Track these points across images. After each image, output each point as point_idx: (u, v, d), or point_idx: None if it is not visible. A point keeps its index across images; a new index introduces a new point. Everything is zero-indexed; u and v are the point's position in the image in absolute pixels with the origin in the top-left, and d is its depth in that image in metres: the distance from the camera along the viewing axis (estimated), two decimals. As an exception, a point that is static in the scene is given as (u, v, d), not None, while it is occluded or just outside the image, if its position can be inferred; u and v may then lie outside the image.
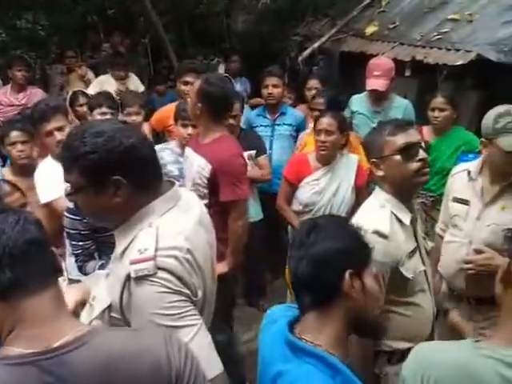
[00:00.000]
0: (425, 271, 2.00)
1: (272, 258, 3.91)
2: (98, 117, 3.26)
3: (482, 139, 2.32)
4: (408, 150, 1.89)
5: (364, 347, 1.86)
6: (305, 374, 1.20)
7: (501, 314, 1.27)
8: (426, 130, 3.72)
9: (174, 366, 1.12)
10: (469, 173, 2.42)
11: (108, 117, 3.21)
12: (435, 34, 4.52)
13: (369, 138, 2.07)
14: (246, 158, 2.95)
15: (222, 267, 2.53)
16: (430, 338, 2.03)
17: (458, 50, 4.13)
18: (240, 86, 5.52)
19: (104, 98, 3.49)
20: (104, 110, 3.33)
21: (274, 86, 4.08)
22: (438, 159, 3.60)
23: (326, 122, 3.07)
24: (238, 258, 2.78)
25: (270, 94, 4.08)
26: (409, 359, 1.32)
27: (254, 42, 6.36)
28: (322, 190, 3.14)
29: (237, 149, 2.79)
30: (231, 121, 3.26)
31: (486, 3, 4.58)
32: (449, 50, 4.21)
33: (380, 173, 1.94)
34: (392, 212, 1.91)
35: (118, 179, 1.34)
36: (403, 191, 1.95)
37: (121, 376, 1.06)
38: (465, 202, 2.41)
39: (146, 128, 3.98)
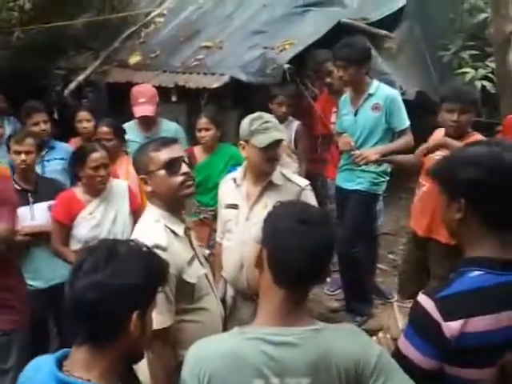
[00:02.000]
0: (206, 275, 2.13)
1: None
2: None
3: (241, 142, 2.58)
4: (171, 165, 2.01)
5: (164, 361, 1.92)
6: None
7: (260, 297, 1.43)
8: (197, 149, 3.99)
9: None
10: (234, 180, 2.67)
11: None
12: (192, 60, 4.87)
13: (135, 155, 2.15)
14: None
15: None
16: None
17: (213, 74, 4.52)
18: (8, 125, 5.16)
19: None
20: None
21: (44, 122, 3.92)
22: (212, 175, 3.87)
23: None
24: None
25: (43, 130, 3.90)
26: (186, 360, 1.37)
27: (14, 78, 6.00)
28: (100, 222, 3.05)
29: None
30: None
31: (233, 31, 5.11)
32: (206, 74, 4.59)
33: (149, 188, 2.03)
34: (166, 225, 2.01)
35: None
36: (172, 204, 2.06)
37: None
38: (234, 206, 2.63)
39: None
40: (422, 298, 1.40)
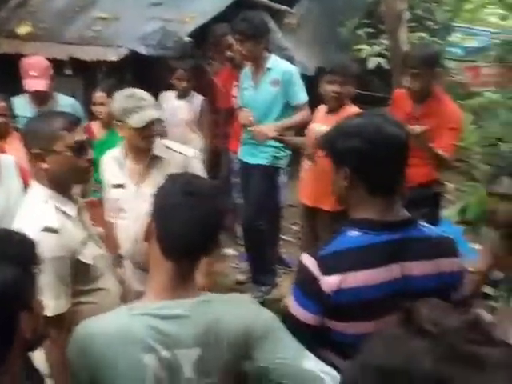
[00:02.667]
0: (102, 255, 2.09)
1: None
2: None
3: (115, 122, 2.50)
4: (80, 148, 1.93)
5: (62, 347, 1.86)
6: None
7: (149, 271, 1.42)
8: (94, 125, 3.84)
9: None
10: (116, 159, 2.60)
11: None
12: (88, 31, 4.64)
13: (32, 127, 1.98)
14: None
15: None
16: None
17: (111, 47, 4.35)
18: None
19: None
20: None
21: None
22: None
23: None
24: None
25: None
26: (72, 340, 1.33)
27: None
28: None
29: None
30: None
31: (131, 2, 4.91)
32: (103, 46, 4.40)
33: (44, 165, 1.91)
34: (56, 206, 1.93)
35: None
36: (66, 186, 1.99)
37: None
38: (121, 186, 2.58)
39: None
40: (305, 257, 1.48)
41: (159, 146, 2.57)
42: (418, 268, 1.46)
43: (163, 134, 4.16)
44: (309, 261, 1.46)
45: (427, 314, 0.70)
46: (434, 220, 3.30)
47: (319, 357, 1.42)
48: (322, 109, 3.41)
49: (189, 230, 1.33)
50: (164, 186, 1.41)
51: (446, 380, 0.62)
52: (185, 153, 2.63)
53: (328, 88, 3.19)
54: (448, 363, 0.63)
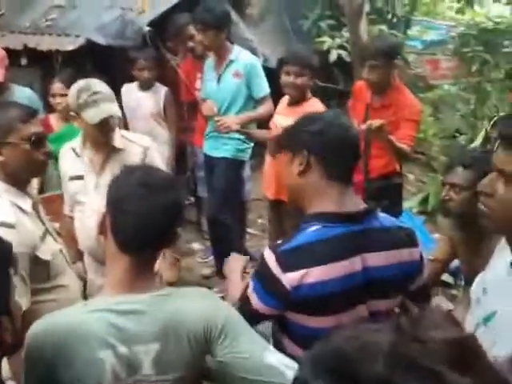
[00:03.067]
0: (60, 250, 2.05)
1: None
2: None
3: (71, 113, 2.41)
4: (38, 140, 1.89)
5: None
6: None
7: (106, 265, 1.40)
8: (52, 118, 3.73)
9: None
10: (73, 149, 2.53)
11: None
12: (44, 20, 4.48)
13: None
14: None
15: None
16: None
17: (68, 36, 4.22)
18: None
19: None
20: None
21: None
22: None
23: None
24: None
25: None
26: (27, 337, 1.29)
27: None
28: None
29: None
30: None
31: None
32: (59, 35, 4.27)
33: (0, 158, 1.86)
34: (11, 201, 1.87)
35: None
36: (22, 179, 1.93)
37: None
38: (79, 177, 2.51)
39: None
40: (266, 252, 1.49)
41: (118, 137, 2.51)
42: (378, 259, 1.48)
43: (122, 126, 4.09)
44: (269, 256, 1.46)
45: (419, 318, 0.66)
46: (396, 211, 3.36)
47: (279, 343, 1.44)
48: (284, 100, 3.41)
49: (143, 222, 1.30)
50: (119, 177, 1.38)
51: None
52: (142, 143, 2.58)
53: (285, 78, 3.19)
54: (401, 371, 0.59)
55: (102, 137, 2.43)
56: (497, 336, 1.20)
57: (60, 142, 3.59)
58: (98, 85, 2.38)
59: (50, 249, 1.96)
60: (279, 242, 1.52)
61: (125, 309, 1.28)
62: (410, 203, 5.14)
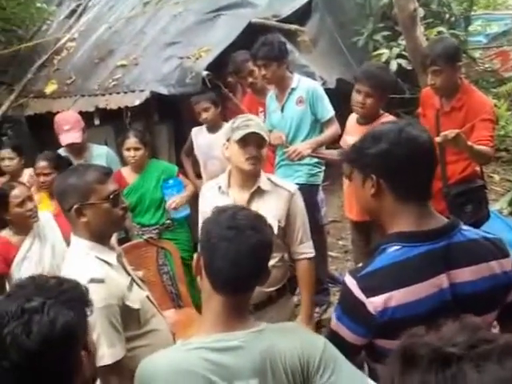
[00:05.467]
0: (147, 296, 2.10)
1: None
2: None
3: (224, 142, 2.54)
4: (115, 198, 1.98)
5: None
6: None
7: (202, 305, 1.43)
8: (125, 171, 3.90)
9: None
10: (219, 187, 2.58)
11: None
12: (110, 81, 4.76)
13: (65, 183, 1.99)
14: None
15: None
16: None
17: (133, 92, 4.44)
18: None
19: None
20: None
21: None
22: (146, 194, 3.81)
23: None
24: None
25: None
26: (135, 381, 1.35)
27: None
28: (39, 258, 2.94)
29: None
30: None
31: (146, 45, 5.03)
32: (126, 92, 4.50)
33: (83, 219, 1.94)
34: (97, 257, 1.95)
35: None
36: (104, 236, 2.02)
37: None
38: None
39: None
40: (347, 278, 1.44)
41: (264, 179, 2.55)
42: (466, 274, 1.40)
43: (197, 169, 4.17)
44: (350, 282, 1.42)
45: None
46: (481, 216, 3.17)
47: (373, 373, 1.39)
48: (352, 118, 3.35)
49: (232, 264, 1.32)
50: (209, 220, 1.41)
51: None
52: (288, 188, 2.60)
53: (355, 97, 3.15)
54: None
55: (246, 163, 2.44)
56: None
57: (135, 193, 3.78)
58: (253, 116, 2.67)
59: (138, 297, 2.02)
60: (359, 265, 1.48)
61: (222, 346, 1.30)
62: (498, 204, 4.85)
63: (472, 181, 3.25)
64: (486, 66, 7.71)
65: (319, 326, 3.38)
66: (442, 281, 1.38)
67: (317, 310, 3.88)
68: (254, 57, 3.72)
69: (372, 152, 1.43)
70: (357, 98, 3.12)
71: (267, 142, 2.53)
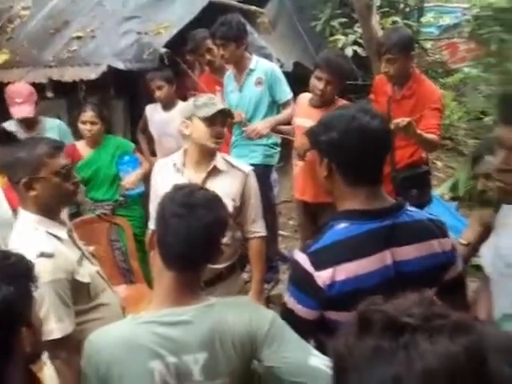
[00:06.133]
0: (97, 271, 2.11)
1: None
2: None
3: (184, 120, 2.52)
4: (66, 172, 1.97)
5: (74, 368, 1.85)
6: None
7: (154, 280, 1.46)
8: (79, 145, 3.86)
9: None
10: (174, 164, 2.57)
11: None
12: (65, 52, 4.64)
13: (14, 156, 1.95)
14: None
15: None
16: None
17: (89, 65, 4.36)
18: None
19: None
20: None
21: None
22: (100, 169, 3.79)
23: None
24: None
25: None
26: (83, 353, 1.37)
27: None
28: None
29: None
30: None
31: (104, 18, 4.92)
32: (81, 65, 4.41)
33: (33, 193, 1.92)
34: (47, 231, 1.94)
35: None
36: (53, 210, 2.00)
37: None
38: None
39: None
40: (297, 254, 1.50)
41: (219, 159, 2.56)
42: (409, 252, 1.48)
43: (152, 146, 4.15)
44: (301, 257, 1.48)
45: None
46: (425, 199, 3.34)
47: (321, 345, 1.45)
48: (303, 100, 3.41)
49: (184, 241, 1.35)
50: (164, 198, 1.43)
51: None
52: (243, 169, 2.62)
53: (314, 83, 3.20)
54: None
55: (210, 141, 2.46)
56: None
57: (90, 168, 3.75)
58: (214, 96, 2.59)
59: (88, 271, 2.02)
60: (308, 242, 1.54)
61: (172, 320, 1.34)
62: (440, 190, 5.10)
63: (418, 166, 3.41)
64: (436, 56, 7.97)
65: (268, 302, 3.50)
66: (386, 257, 1.46)
67: (266, 286, 3.99)
68: (212, 36, 3.73)
69: (323, 139, 1.49)
70: (317, 84, 3.17)
71: (231, 120, 2.58)
